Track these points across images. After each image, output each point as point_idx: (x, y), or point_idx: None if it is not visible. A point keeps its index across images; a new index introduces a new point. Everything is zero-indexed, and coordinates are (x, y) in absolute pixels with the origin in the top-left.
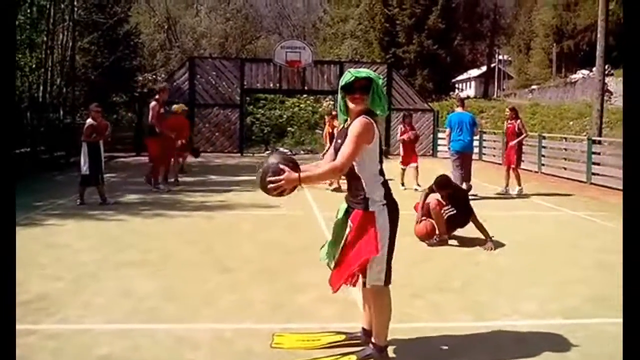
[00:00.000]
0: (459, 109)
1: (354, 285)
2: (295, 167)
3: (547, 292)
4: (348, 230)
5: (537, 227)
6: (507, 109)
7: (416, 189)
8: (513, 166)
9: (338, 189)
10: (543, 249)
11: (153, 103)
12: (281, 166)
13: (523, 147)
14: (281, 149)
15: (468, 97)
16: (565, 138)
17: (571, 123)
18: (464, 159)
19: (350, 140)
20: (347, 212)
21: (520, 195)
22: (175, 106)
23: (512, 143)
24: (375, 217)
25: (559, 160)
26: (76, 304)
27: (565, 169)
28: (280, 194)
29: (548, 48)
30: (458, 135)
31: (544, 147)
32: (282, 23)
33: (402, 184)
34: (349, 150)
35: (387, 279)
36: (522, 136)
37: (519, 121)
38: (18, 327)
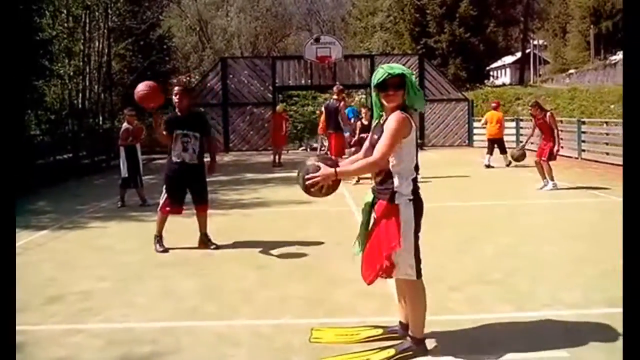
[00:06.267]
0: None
1: (391, 276)
2: (333, 164)
3: (592, 281)
4: (372, 221)
5: (581, 214)
6: (529, 107)
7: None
8: (544, 159)
9: (358, 182)
10: (586, 236)
11: (342, 103)
12: (316, 164)
13: (561, 132)
14: (314, 145)
15: (504, 85)
16: (606, 122)
17: (612, 106)
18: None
19: (387, 136)
20: (373, 202)
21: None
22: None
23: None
24: (400, 210)
25: (600, 145)
26: (120, 304)
27: (607, 154)
28: (321, 191)
29: (585, 30)
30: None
31: (584, 132)
32: (311, 19)
33: None
34: (386, 146)
35: (418, 273)
36: (556, 131)
37: (549, 114)
38: (65, 326)
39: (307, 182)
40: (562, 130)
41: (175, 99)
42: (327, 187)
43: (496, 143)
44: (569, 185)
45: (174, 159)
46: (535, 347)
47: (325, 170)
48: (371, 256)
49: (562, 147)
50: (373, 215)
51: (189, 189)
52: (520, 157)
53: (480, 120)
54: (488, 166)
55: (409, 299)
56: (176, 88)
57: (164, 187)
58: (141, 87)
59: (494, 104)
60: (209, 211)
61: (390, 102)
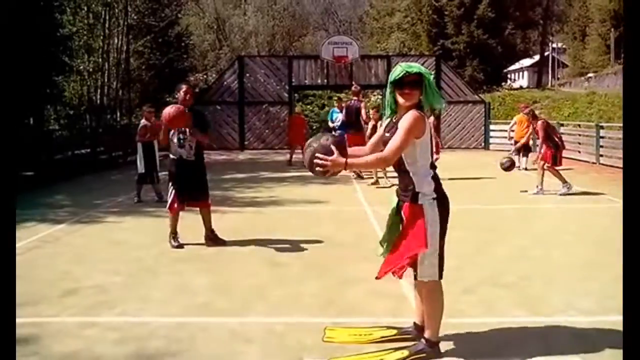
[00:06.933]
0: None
1: (400, 277)
2: (344, 151)
3: (605, 287)
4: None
5: (596, 219)
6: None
7: None
8: (549, 165)
9: (376, 183)
10: (601, 242)
11: (362, 103)
12: (332, 147)
13: (578, 137)
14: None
15: (521, 87)
16: None
17: None
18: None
19: (400, 133)
20: (399, 206)
21: (568, 193)
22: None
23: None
24: (424, 210)
25: (618, 150)
26: (135, 298)
27: None
28: (324, 174)
29: (605, 34)
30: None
31: (602, 137)
32: (328, 19)
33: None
34: (398, 143)
35: (440, 274)
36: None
37: (539, 123)
38: (80, 319)
39: (315, 161)
40: (579, 135)
41: (182, 95)
42: (332, 173)
43: (523, 145)
44: (584, 189)
45: (172, 155)
46: (548, 352)
47: (337, 159)
48: (393, 254)
49: (544, 153)
50: (402, 217)
51: (187, 186)
52: (510, 167)
53: (498, 123)
54: (513, 163)
55: (427, 301)
56: (184, 86)
57: (170, 184)
58: (170, 111)
59: (525, 109)
60: (224, 208)
61: (406, 100)
